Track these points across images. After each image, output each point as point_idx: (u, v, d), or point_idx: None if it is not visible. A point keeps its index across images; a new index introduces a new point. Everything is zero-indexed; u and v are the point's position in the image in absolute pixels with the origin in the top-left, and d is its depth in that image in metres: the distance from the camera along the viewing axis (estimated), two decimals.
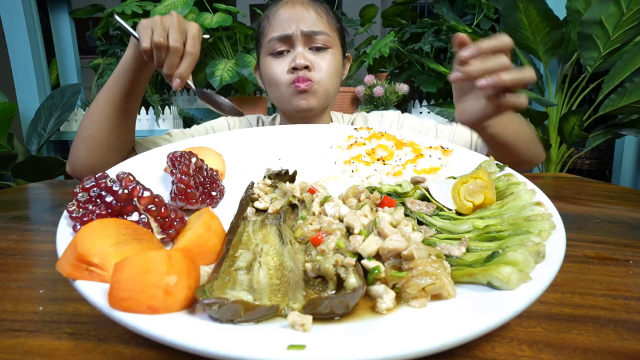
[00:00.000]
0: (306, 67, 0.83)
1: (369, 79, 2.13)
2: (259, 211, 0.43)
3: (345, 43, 0.95)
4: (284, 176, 0.50)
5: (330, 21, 0.89)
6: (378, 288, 0.29)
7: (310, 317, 0.25)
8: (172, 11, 0.67)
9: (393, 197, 0.42)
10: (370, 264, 0.30)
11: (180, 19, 0.67)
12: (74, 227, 0.33)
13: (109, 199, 0.34)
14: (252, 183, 0.48)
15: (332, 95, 0.90)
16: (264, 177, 0.50)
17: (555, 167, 2.08)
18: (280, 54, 0.86)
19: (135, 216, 0.35)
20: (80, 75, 2.69)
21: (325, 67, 0.86)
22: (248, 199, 0.44)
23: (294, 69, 0.83)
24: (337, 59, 0.90)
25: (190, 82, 0.69)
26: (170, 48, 0.64)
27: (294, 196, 0.44)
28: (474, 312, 0.25)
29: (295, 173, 0.51)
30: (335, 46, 0.89)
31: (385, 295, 0.28)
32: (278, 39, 0.85)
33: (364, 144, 0.59)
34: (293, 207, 0.44)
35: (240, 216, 0.39)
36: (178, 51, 0.64)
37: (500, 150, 0.73)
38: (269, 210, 0.42)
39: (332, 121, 1.01)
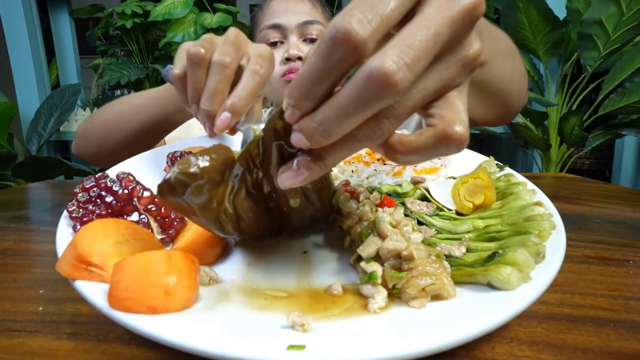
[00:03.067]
0: (299, 58, 0.82)
1: None
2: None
3: None
4: None
5: (325, 13, 0.89)
6: (370, 287, 0.29)
7: (310, 317, 0.25)
8: (232, 28, 0.44)
9: (393, 197, 0.42)
10: (367, 268, 0.30)
11: (241, 36, 0.44)
12: (74, 227, 0.33)
13: (109, 199, 0.34)
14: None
15: None
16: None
17: (555, 167, 2.08)
18: (273, 45, 0.85)
19: (135, 216, 0.35)
20: (80, 75, 2.70)
21: None
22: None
23: (287, 59, 0.82)
24: None
25: (248, 124, 0.42)
26: (213, 63, 0.40)
27: None
28: (474, 312, 0.25)
29: None
30: None
31: (377, 295, 0.28)
32: (270, 27, 0.84)
33: None
34: None
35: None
36: (225, 67, 0.40)
37: (490, 98, 0.56)
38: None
39: None
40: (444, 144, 0.23)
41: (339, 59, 0.20)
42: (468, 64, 0.23)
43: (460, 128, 0.23)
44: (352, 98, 0.20)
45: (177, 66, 0.43)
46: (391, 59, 0.19)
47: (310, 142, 0.22)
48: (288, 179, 0.25)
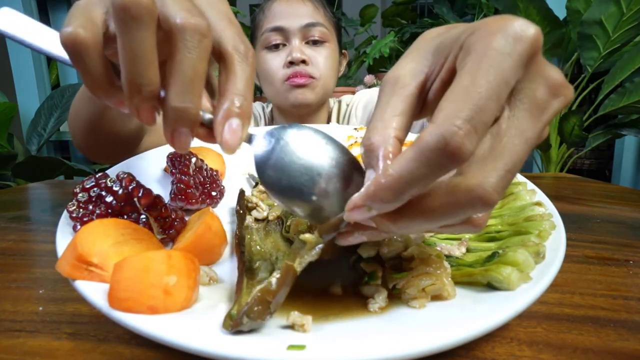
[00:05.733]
0: (303, 62, 0.82)
1: (369, 79, 2.14)
2: (258, 219, 0.42)
3: (341, 39, 0.94)
4: None
5: (327, 14, 0.88)
6: (370, 287, 0.29)
7: (310, 317, 0.25)
8: None
9: None
10: (367, 268, 0.30)
11: None
12: (74, 227, 0.33)
13: (109, 199, 0.34)
14: (243, 191, 0.46)
15: (329, 90, 0.88)
16: (255, 184, 0.49)
17: (555, 167, 2.08)
18: (276, 47, 0.84)
19: (135, 216, 0.35)
20: None
21: (322, 61, 0.84)
22: (244, 208, 0.43)
23: (291, 63, 0.82)
24: (334, 53, 0.88)
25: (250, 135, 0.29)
26: (182, 27, 0.24)
27: None
28: (474, 312, 0.25)
29: None
30: (332, 40, 0.87)
31: (377, 295, 0.28)
32: (273, 29, 0.83)
33: None
34: None
35: (242, 226, 0.38)
36: (203, 36, 0.25)
37: None
38: (269, 218, 0.42)
39: (329, 115, 0.99)
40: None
41: (443, 167, 0.19)
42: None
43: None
44: (445, 212, 0.20)
45: (75, 24, 0.24)
46: (492, 187, 0.19)
47: (380, 232, 0.23)
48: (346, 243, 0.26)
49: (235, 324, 0.24)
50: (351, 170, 0.28)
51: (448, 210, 0.20)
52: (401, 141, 0.23)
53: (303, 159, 0.27)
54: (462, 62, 0.21)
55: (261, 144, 0.28)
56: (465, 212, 0.20)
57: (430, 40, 0.25)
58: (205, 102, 0.28)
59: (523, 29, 0.20)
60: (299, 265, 0.26)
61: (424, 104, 0.24)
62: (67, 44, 0.24)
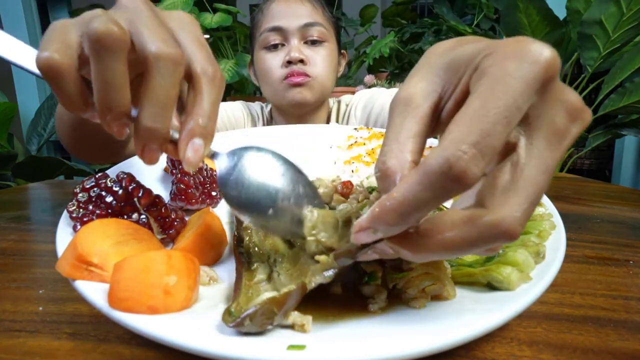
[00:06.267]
0: (301, 61, 0.82)
1: (369, 79, 2.14)
2: None
3: (340, 39, 0.94)
4: None
5: (325, 14, 0.88)
6: (370, 287, 0.29)
7: (310, 317, 0.25)
8: None
9: None
10: (367, 268, 0.30)
11: (152, 5, 0.29)
12: (74, 227, 0.33)
13: (109, 199, 0.34)
14: None
15: (328, 90, 0.88)
16: None
17: (555, 167, 2.08)
18: (274, 47, 0.84)
19: (135, 216, 0.35)
20: None
21: (321, 61, 0.84)
22: None
23: (289, 62, 0.82)
24: (333, 53, 0.88)
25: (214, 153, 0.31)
26: (156, 55, 0.26)
27: None
28: (474, 312, 0.25)
29: None
30: (331, 40, 0.87)
31: (377, 295, 0.28)
32: (271, 29, 0.83)
33: (364, 144, 0.59)
34: None
35: (241, 227, 0.38)
36: (177, 65, 0.26)
37: None
38: None
39: (329, 115, 0.99)
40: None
41: (448, 191, 0.19)
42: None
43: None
44: (468, 245, 0.20)
45: (51, 48, 0.25)
46: (517, 222, 0.19)
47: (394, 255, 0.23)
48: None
49: (236, 324, 0.24)
50: (304, 188, 0.32)
51: (471, 244, 0.20)
52: (417, 164, 0.22)
53: (261, 176, 0.31)
54: (475, 85, 0.20)
55: (224, 162, 0.31)
56: (487, 244, 0.20)
57: (440, 56, 0.24)
58: (174, 120, 0.29)
59: (539, 53, 0.20)
60: (309, 285, 0.26)
61: (437, 122, 0.24)
62: (43, 68, 0.25)
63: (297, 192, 0.32)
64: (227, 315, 0.25)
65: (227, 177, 0.30)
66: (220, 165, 0.31)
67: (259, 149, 0.32)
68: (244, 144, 0.33)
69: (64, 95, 0.26)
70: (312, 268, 0.27)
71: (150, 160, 0.28)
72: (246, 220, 0.31)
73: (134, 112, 0.27)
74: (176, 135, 0.28)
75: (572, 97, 0.21)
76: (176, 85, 0.27)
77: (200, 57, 0.29)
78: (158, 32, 0.27)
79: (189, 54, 0.29)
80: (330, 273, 0.26)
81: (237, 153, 0.31)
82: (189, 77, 0.29)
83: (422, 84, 0.23)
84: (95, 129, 0.56)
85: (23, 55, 0.29)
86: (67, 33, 0.26)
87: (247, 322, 0.24)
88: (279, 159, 0.33)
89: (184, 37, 0.29)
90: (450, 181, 0.18)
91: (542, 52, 0.20)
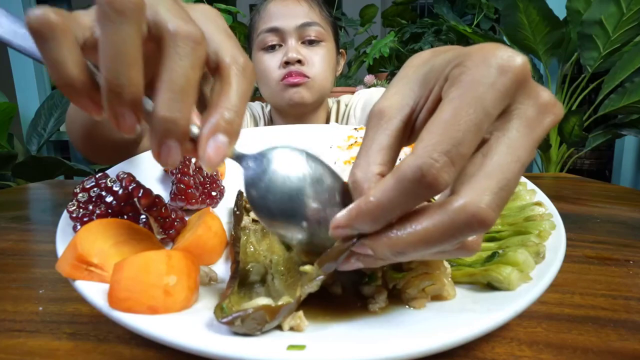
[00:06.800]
0: (299, 62, 0.81)
1: (369, 79, 2.14)
2: (255, 220, 0.42)
3: (339, 39, 0.94)
4: None
5: (323, 13, 0.87)
6: (370, 287, 0.29)
7: (301, 313, 0.25)
8: None
9: None
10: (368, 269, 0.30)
11: None
12: (74, 227, 0.33)
13: (109, 199, 0.34)
14: (241, 192, 0.45)
15: (326, 90, 0.88)
16: None
17: (555, 167, 2.08)
18: (272, 48, 0.84)
19: (135, 216, 0.35)
20: None
21: (318, 61, 0.84)
22: (242, 209, 0.42)
23: (287, 63, 0.82)
24: (331, 53, 0.88)
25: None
26: (175, 34, 0.23)
27: None
28: (474, 313, 0.25)
29: None
30: (328, 40, 0.87)
31: (377, 295, 0.28)
32: (268, 30, 0.83)
33: None
34: None
35: (238, 227, 0.38)
36: (198, 44, 0.23)
37: None
38: None
39: (328, 115, 0.99)
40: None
41: (420, 196, 0.20)
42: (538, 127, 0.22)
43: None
44: (441, 233, 0.20)
45: (49, 10, 0.20)
46: (487, 204, 0.19)
47: (378, 260, 0.23)
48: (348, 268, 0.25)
49: (227, 321, 0.24)
50: (342, 197, 0.28)
51: (444, 231, 0.20)
52: (384, 175, 0.23)
53: (295, 183, 0.26)
54: (446, 93, 0.21)
55: (252, 166, 0.27)
56: (462, 232, 0.20)
57: (417, 68, 0.25)
58: (196, 119, 0.25)
59: (508, 61, 0.20)
60: (302, 296, 0.26)
61: (411, 131, 0.24)
62: (33, 23, 0.20)
63: (332, 200, 0.27)
64: (219, 310, 0.25)
65: (255, 184, 0.26)
66: (247, 170, 0.27)
67: (292, 148, 0.28)
68: (255, 144, 0.30)
69: (56, 63, 0.21)
70: (301, 280, 0.27)
71: (169, 161, 0.24)
72: (278, 233, 0.27)
73: (148, 107, 0.23)
74: (196, 131, 0.24)
75: (543, 93, 0.22)
76: (196, 68, 0.23)
77: (229, 45, 0.26)
78: (177, 11, 0.23)
79: (217, 42, 0.26)
80: (317, 281, 0.26)
81: (266, 155, 0.27)
82: (216, 68, 0.26)
83: (396, 97, 0.24)
84: (107, 129, 0.56)
85: (20, 35, 0.26)
86: (77, 14, 0.23)
87: (237, 322, 0.24)
88: (315, 160, 0.28)
89: (209, 26, 0.26)
90: (422, 188, 0.19)
91: (512, 60, 0.20)
